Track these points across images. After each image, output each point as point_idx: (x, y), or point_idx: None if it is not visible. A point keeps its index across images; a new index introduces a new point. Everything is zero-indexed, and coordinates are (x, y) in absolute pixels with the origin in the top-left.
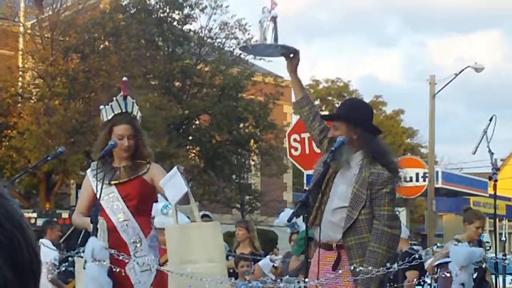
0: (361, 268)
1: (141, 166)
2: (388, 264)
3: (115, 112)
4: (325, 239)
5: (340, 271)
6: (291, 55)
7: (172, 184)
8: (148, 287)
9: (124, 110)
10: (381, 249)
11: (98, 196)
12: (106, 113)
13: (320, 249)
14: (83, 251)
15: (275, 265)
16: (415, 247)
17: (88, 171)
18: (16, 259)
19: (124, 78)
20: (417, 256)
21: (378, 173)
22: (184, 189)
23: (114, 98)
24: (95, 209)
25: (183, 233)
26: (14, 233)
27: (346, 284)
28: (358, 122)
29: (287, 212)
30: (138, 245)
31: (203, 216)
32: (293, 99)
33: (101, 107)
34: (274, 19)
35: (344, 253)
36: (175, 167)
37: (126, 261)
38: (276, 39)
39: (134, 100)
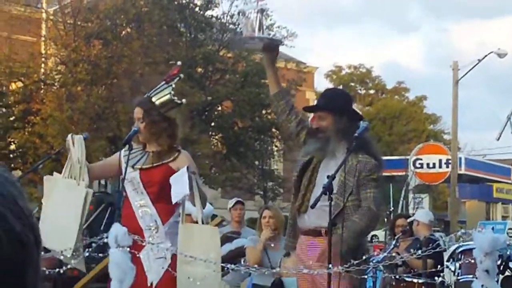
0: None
1: (170, 153)
2: (412, 250)
3: (149, 95)
4: (312, 225)
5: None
6: (271, 48)
7: (178, 183)
8: (160, 274)
9: (148, 94)
10: (362, 221)
11: (123, 178)
12: None
13: (306, 236)
14: (107, 237)
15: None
16: (436, 234)
17: (122, 150)
18: None
19: (179, 62)
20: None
21: (365, 161)
22: (185, 192)
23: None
24: (118, 195)
25: (187, 233)
26: None
27: (335, 272)
28: (343, 111)
29: None
30: (154, 232)
31: (237, 202)
32: (271, 92)
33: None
34: (261, 11)
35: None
36: (185, 167)
37: (143, 244)
38: (263, 31)
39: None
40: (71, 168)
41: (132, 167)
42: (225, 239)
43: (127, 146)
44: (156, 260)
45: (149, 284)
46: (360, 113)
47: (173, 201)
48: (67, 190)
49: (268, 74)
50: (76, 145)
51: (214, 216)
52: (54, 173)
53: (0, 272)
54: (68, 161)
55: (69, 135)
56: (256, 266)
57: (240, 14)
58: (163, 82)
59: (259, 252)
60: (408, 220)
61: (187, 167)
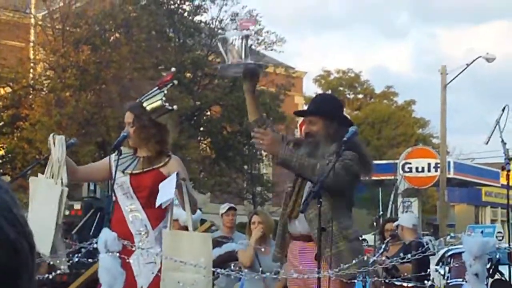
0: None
1: (160, 158)
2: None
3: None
4: (305, 231)
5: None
6: (253, 74)
7: (165, 188)
8: (150, 279)
9: (139, 99)
10: (317, 164)
11: (112, 183)
12: None
13: (297, 241)
14: (96, 242)
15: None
16: (425, 238)
17: (113, 154)
18: None
19: (173, 69)
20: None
21: (344, 153)
22: (170, 196)
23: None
24: (108, 200)
25: (174, 240)
26: None
27: (325, 277)
28: (334, 116)
29: None
30: (144, 236)
31: (229, 208)
32: (250, 119)
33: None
34: (246, 37)
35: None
36: (175, 173)
37: (133, 249)
38: (247, 56)
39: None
40: (52, 168)
41: (122, 172)
42: (215, 244)
43: (119, 151)
44: (146, 265)
45: None
46: (350, 118)
47: (156, 205)
48: (48, 189)
49: (248, 101)
50: (57, 145)
51: (203, 221)
52: (39, 174)
53: None
54: (49, 161)
55: (51, 135)
56: (246, 270)
57: (223, 42)
58: (156, 88)
59: (251, 252)
60: (394, 224)
61: (177, 173)
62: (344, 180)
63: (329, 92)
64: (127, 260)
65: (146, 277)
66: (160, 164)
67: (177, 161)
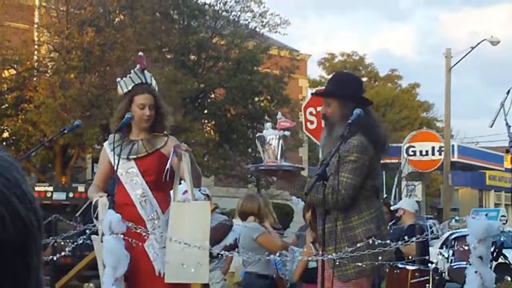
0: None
1: (159, 139)
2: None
3: (136, 83)
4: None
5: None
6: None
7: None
8: (165, 263)
9: (144, 81)
10: (320, 196)
11: (115, 169)
12: (126, 84)
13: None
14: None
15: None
16: (429, 221)
17: (106, 143)
18: None
19: (140, 53)
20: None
21: (348, 142)
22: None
23: (132, 71)
24: (112, 182)
25: (176, 211)
26: None
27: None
28: (348, 97)
29: None
30: (156, 221)
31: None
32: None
33: (118, 79)
34: (284, 137)
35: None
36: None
37: (145, 237)
38: (282, 157)
39: (151, 74)
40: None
41: (127, 158)
42: (221, 227)
43: (111, 136)
44: (161, 249)
45: (157, 274)
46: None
47: None
48: None
49: (290, 187)
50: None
51: None
52: None
53: (5, 253)
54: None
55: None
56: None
57: (260, 140)
58: (140, 71)
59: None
60: (392, 208)
61: (175, 146)
62: (349, 194)
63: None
64: (140, 245)
65: (162, 262)
66: (162, 145)
67: (174, 141)
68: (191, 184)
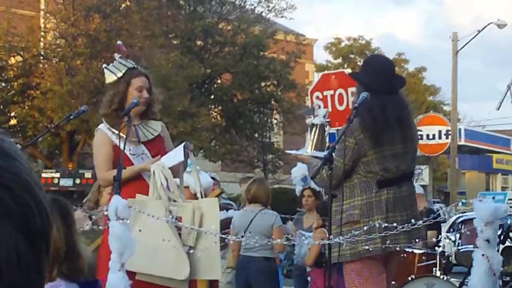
0: None
1: (155, 123)
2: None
3: (129, 67)
4: None
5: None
6: None
7: (174, 152)
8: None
9: (135, 66)
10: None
11: (124, 154)
12: (118, 69)
13: None
14: (107, 210)
15: None
16: (436, 205)
17: (103, 127)
18: (27, 226)
19: (119, 42)
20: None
21: (350, 129)
22: (180, 158)
23: (117, 58)
24: (118, 167)
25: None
26: (24, 198)
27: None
28: (366, 82)
29: (299, 167)
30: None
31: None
32: None
33: (104, 65)
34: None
35: None
36: (184, 143)
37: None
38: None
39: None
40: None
41: (138, 141)
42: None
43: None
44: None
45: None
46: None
47: (168, 165)
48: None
49: None
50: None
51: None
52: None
53: (35, 244)
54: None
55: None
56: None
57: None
58: (125, 59)
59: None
60: None
61: (185, 143)
62: (334, 174)
63: (340, 59)
64: None
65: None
66: (160, 129)
67: (164, 126)
68: (199, 182)
